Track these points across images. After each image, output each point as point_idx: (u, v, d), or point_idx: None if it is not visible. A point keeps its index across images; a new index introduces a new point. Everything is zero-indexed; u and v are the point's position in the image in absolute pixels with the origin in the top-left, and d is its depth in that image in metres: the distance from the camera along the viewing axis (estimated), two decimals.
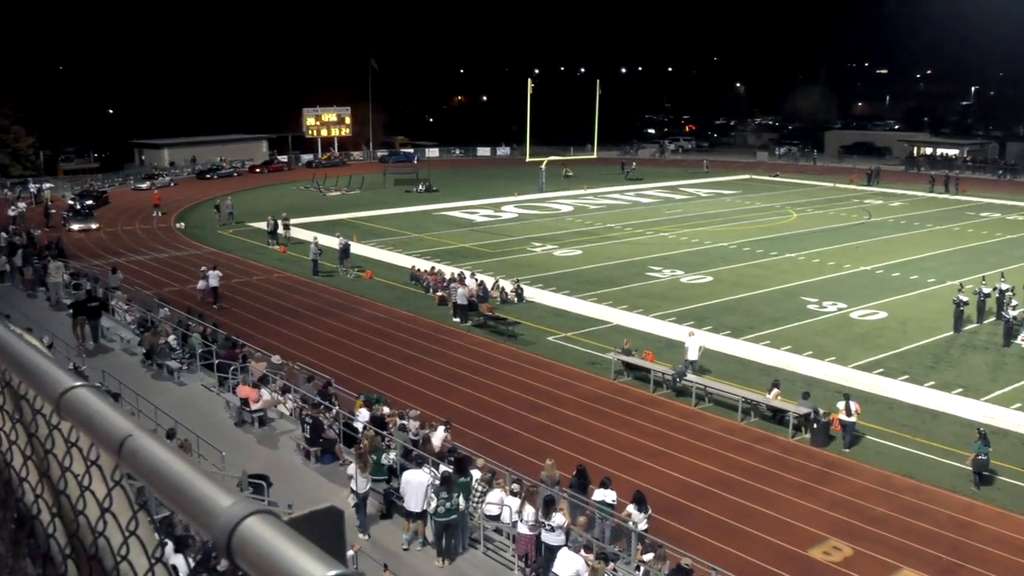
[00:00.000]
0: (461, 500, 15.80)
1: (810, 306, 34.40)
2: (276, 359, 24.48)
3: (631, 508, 16.74)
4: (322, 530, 1.17)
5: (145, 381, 23.67)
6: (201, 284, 35.40)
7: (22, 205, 55.10)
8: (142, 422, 1.44)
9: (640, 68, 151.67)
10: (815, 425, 22.38)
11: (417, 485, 15.99)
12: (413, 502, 16.00)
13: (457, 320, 32.60)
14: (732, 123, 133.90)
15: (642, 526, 16.51)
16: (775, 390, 23.89)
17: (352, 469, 16.62)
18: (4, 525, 2.12)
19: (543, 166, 69.46)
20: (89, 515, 1.54)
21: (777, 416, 23.62)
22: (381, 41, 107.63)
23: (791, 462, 21.30)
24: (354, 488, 16.35)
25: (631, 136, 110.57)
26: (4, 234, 41.58)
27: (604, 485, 17.38)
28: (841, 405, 22.33)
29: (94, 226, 52.63)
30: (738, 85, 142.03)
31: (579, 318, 33.03)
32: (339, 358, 28.06)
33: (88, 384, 1.44)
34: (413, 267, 39.27)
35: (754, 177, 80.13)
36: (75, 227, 51.86)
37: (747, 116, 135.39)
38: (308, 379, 22.93)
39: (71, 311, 27.83)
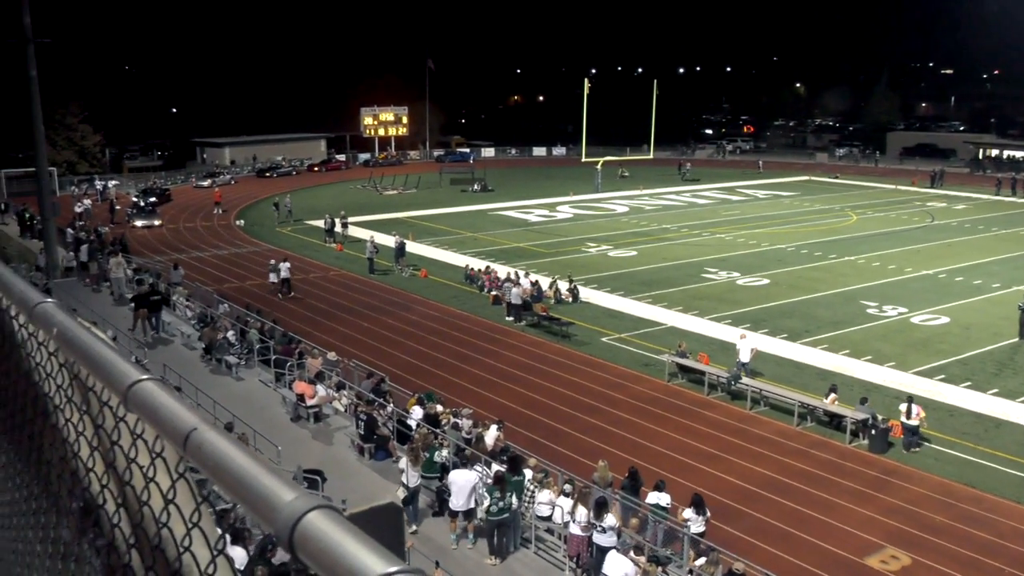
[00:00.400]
0: (514, 499, 15.82)
1: (870, 310, 33.79)
2: (332, 356, 24.75)
3: (689, 511, 16.59)
4: (382, 526, 1.18)
5: (204, 375, 24.11)
6: (272, 276, 36.87)
7: (88, 202, 56.54)
8: (201, 416, 1.46)
9: (698, 68, 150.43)
10: (873, 431, 21.99)
11: (464, 484, 16.04)
12: (460, 501, 16.06)
13: (511, 320, 32.66)
14: (791, 124, 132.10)
15: (699, 529, 16.36)
16: (832, 395, 23.52)
17: (404, 463, 16.77)
18: (70, 514, 2.17)
19: (599, 166, 69.23)
20: (153, 506, 1.57)
21: (834, 421, 23.24)
22: (439, 41, 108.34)
23: (848, 468, 20.95)
24: (404, 482, 16.52)
25: (688, 137, 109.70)
26: (71, 230, 42.69)
27: (658, 488, 17.26)
28: (903, 408, 21.91)
29: (157, 223, 53.76)
30: (798, 85, 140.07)
31: (633, 319, 32.87)
32: (394, 356, 28.28)
33: (155, 378, 1.47)
34: (467, 266, 39.42)
35: (813, 179, 78.94)
36: (139, 223, 53.03)
37: (807, 117, 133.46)
38: (368, 376, 23.11)
39: (132, 304, 28.49)
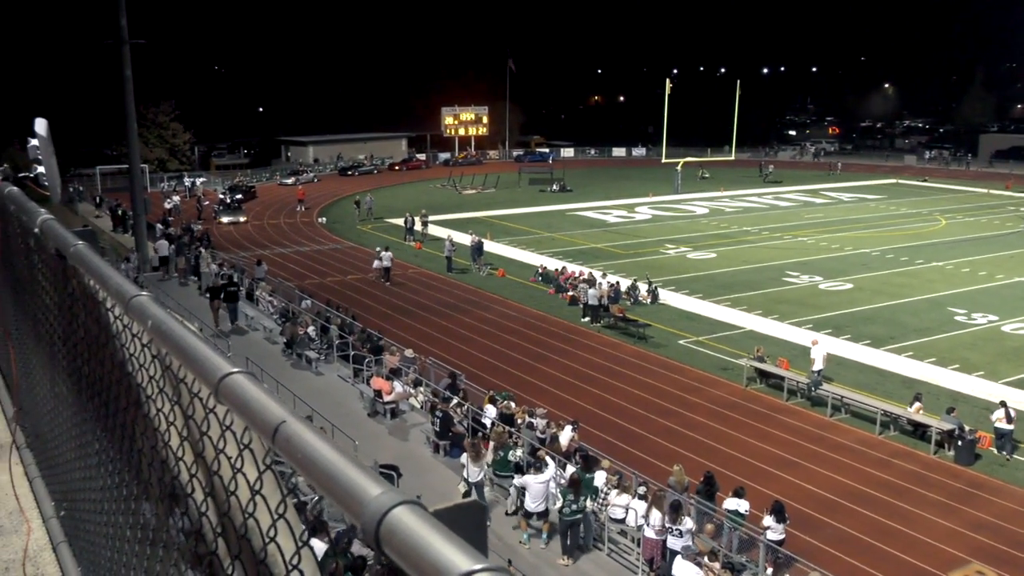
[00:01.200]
0: (588, 502, 15.77)
1: (958, 317, 32.76)
2: (409, 353, 25.00)
3: (768, 519, 16.31)
4: (466, 523, 1.19)
5: (285, 369, 24.60)
6: (376, 263, 38.80)
7: (177, 198, 58.24)
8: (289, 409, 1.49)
9: (783, 68, 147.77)
10: (960, 442, 21.31)
11: (539, 488, 16.04)
12: (535, 503, 16.07)
13: (587, 320, 32.56)
14: (879, 125, 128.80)
15: (777, 537, 16.07)
16: (917, 404, 22.86)
17: (464, 458, 16.88)
18: (159, 501, 2.24)
19: (679, 167, 68.56)
20: (240, 496, 1.61)
21: (918, 431, 22.59)
22: (520, 41, 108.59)
23: (932, 479, 20.34)
24: (465, 476, 16.64)
25: (770, 138, 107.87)
26: (160, 226, 44.01)
27: (737, 495, 16.99)
28: (1000, 414, 21.22)
29: (242, 219, 55.12)
30: (887, 86, 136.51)
31: (711, 322, 32.46)
32: (470, 354, 28.44)
33: (245, 371, 1.50)
34: (541, 266, 39.41)
35: (900, 181, 76.89)
36: (225, 220, 54.47)
37: (895, 118, 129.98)
38: (451, 376, 23.24)
39: (208, 294, 29.35)
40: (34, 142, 6.68)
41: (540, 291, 37.02)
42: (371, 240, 48.86)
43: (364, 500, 1.03)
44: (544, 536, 16.16)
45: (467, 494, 16.47)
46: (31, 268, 3.91)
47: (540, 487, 15.99)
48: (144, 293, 2.04)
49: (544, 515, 16.13)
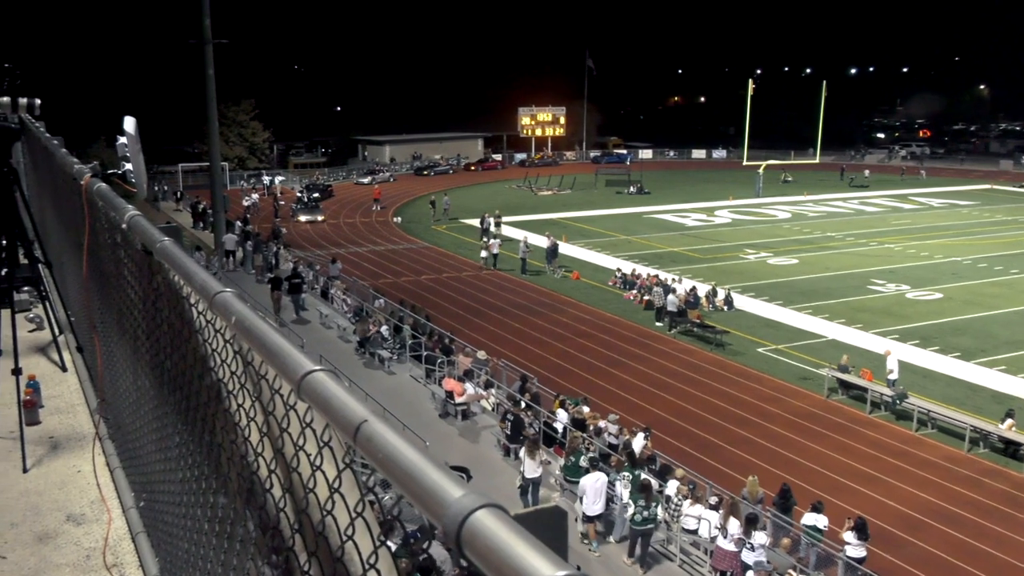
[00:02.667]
0: (660, 510, 15.63)
1: None
2: (482, 355, 25.11)
3: (849, 534, 15.95)
4: (547, 528, 1.19)
5: (357, 368, 24.93)
6: (484, 252, 41.95)
7: (256, 196, 59.50)
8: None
9: (871, 68, 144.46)
10: None
11: (597, 487, 15.96)
12: (595, 505, 15.99)
13: (662, 325, 32.31)
14: (973, 128, 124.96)
15: (858, 554, 15.70)
16: (1009, 420, 22.11)
17: (521, 453, 16.91)
18: (238, 495, 2.29)
19: (760, 170, 67.55)
20: (319, 494, 1.63)
21: (1010, 449, 21.85)
22: (599, 40, 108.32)
23: None
24: (522, 471, 16.69)
25: (857, 140, 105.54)
26: (239, 223, 44.99)
27: (816, 509, 16.65)
28: None
29: (320, 218, 55.98)
30: (982, 87, 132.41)
31: (792, 330, 31.91)
32: (542, 357, 28.46)
33: (327, 369, 1.53)
34: (617, 270, 39.22)
35: (995, 187, 74.49)
36: (303, 218, 55.43)
37: (990, 121, 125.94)
38: (522, 379, 23.28)
39: (269, 284, 30.02)
40: (122, 140, 6.89)
41: (614, 294, 36.86)
42: (446, 241, 49.22)
43: (446, 502, 1.04)
44: (611, 540, 16.06)
45: (523, 489, 16.60)
46: (117, 263, 4.03)
47: (598, 487, 15.94)
48: (228, 290, 2.09)
49: (600, 517, 16.05)
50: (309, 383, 1.51)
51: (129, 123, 6.61)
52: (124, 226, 3.41)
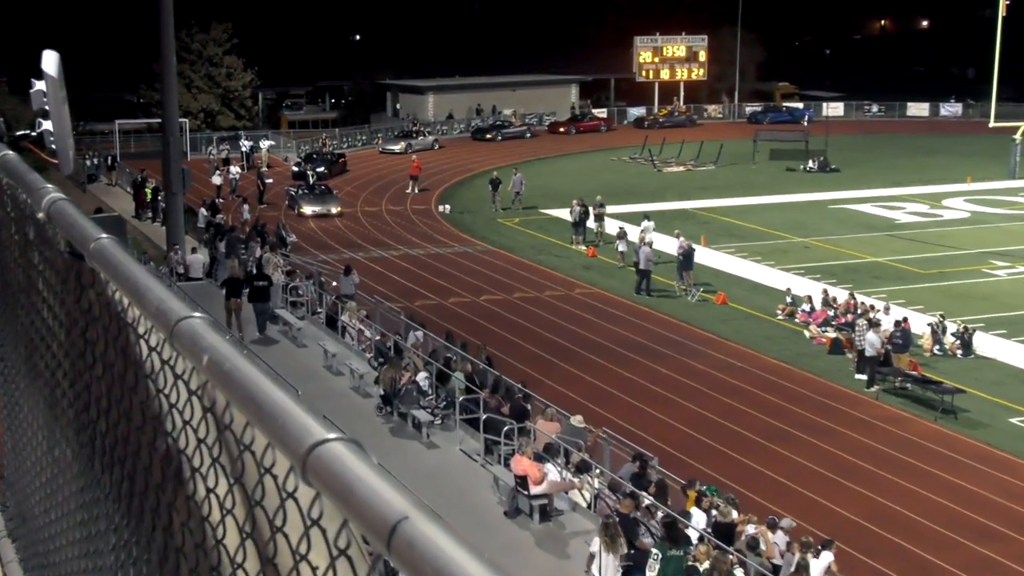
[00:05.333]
0: None
1: None
2: (577, 420, 24.99)
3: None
4: None
5: (380, 435, 25.00)
6: (621, 244, 44.06)
7: (236, 171, 59.76)
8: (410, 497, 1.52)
9: None
10: None
11: None
12: None
13: (861, 379, 31.98)
14: None
15: None
16: None
17: (595, 545, 16.87)
18: None
19: (1018, 137, 66.40)
20: None
21: None
22: None
23: None
24: (595, 572, 16.69)
25: None
26: (204, 211, 45.32)
27: None
28: None
29: (335, 210, 54.90)
30: None
31: None
32: (667, 425, 28.30)
33: (347, 438, 1.54)
34: (788, 291, 38.80)
35: None
36: (308, 211, 54.32)
37: None
38: (634, 460, 23.14)
39: (222, 288, 30.74)
40: (39, 85, 7.03)
41: (783, 329, 36.52)
42: (519, 241, 49.27)
43: None
44: None
45: None
46: (28, 270, 4.07)
47: None
48: (198, 315, 2.12)
49: None
50: (320, 459, 1.52)
51: (49, 60, 6.72)
52: (41, 215, 3.47)
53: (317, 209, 54.74)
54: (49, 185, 3.62)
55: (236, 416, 1.95)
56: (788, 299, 38.23)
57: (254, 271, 32.44)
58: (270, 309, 31.47)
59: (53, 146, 7.17)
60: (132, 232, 46.96)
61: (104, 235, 2.85)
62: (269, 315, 31.46)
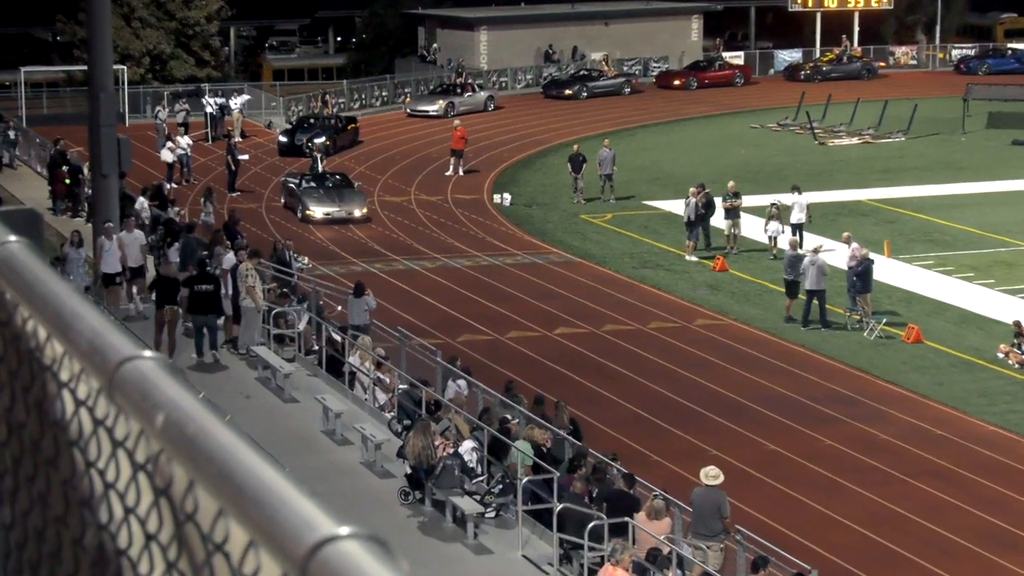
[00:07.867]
0: None
1: None
2: (711, 475, 25.07)
3: None
4: None
5: (407, 530, 25.09)
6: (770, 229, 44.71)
7: (187, 141, 60.01)
8: None
9: None
10: None
11: None
12: None
13: None
14: None
15: None
16: None
17: None
18: None
19: None
20: None
21: None
22: None
23: None
24: None
25: None
26: (143, 199, 45.52)
27: None
28: None
29: (358, 212, 54.79)
30: None
31: None
32: (833, 522, 28.22)
33: (365, 534, 1.57)
34: (1016, 324, 38.56)
35: None
36: (319, 213, 54.35)
37: None
38: (755, 568, 23.20)
39: (151, 291, 31.18)
40: None
41: (1009, 380, 36.32)
42: (610, 247, 49.20)
43: None
44: None
45: None
46: None
47: None
48: (149, 354, 2.16)
49: None
50: (327, 566, 1.55)
51: None
52: None
53: (333, 211, 54.45)
54: None
55: (203, 502, 1.97)
56: (1015, 337, 38.03)
57: (194, 271, 32.85)
58: (216, 325, 31.59)
59: None
60: (49, 232, 47.46)
61: (12, 237, 2.89)
62: (216, 333, 31.70)
